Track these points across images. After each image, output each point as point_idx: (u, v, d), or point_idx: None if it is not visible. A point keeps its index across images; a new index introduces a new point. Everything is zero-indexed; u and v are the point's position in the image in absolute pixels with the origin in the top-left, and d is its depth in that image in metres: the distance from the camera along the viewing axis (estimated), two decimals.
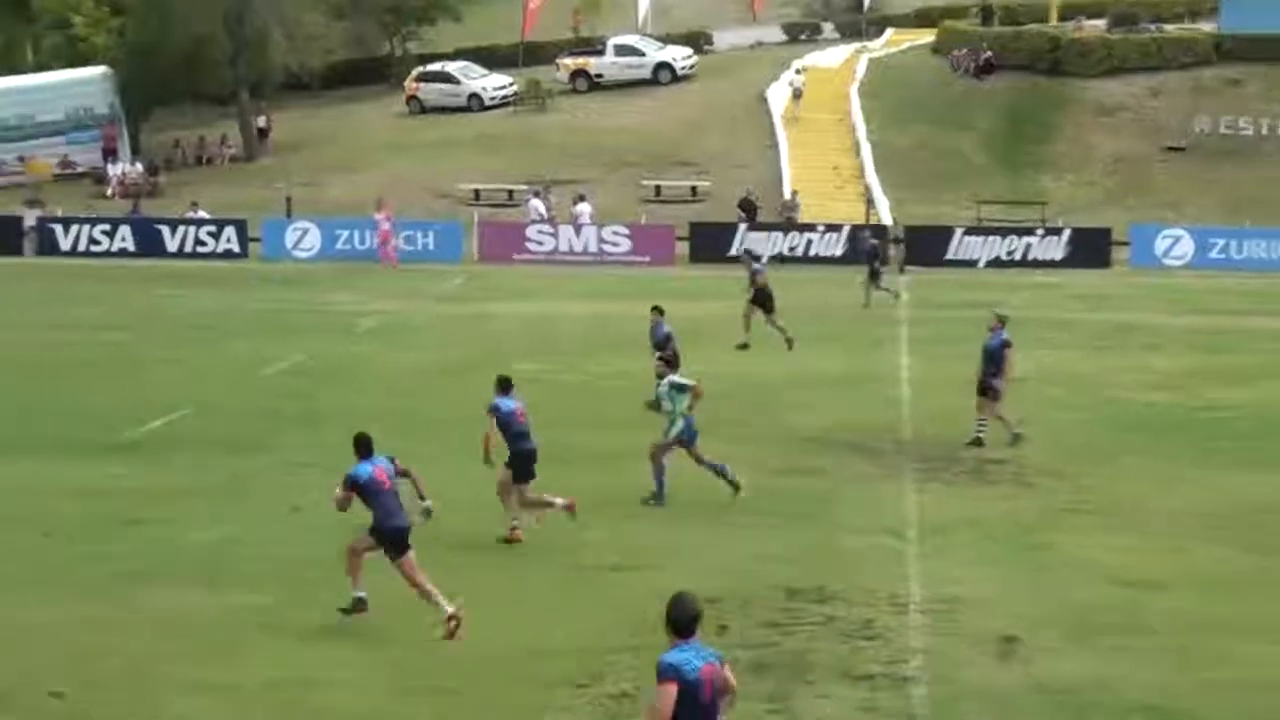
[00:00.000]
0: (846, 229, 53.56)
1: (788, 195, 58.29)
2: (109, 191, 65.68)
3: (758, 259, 40.33)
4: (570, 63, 72.61)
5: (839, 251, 52.91)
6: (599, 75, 71.90)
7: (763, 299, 36.83)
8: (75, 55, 71.35)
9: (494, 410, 21.17)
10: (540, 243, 55.09)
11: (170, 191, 64.67)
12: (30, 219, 57.08)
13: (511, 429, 21.20)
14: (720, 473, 23.42)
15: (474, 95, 71.41)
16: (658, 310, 30.13)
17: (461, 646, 17.08)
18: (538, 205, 56.42)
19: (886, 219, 56.66)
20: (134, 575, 19.61)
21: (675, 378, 23.13)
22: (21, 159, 68.04)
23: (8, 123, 68.53)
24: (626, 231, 55.10)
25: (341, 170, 64.77)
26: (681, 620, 11.18)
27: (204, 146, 70.90)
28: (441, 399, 30.47)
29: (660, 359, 23.94)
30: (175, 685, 16.12)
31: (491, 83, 71.97)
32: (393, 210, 54.49)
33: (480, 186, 62.52)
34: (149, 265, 53.10)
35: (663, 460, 23.29)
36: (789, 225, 55.28)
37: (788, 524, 22.44)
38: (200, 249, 55.88)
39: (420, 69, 73.32)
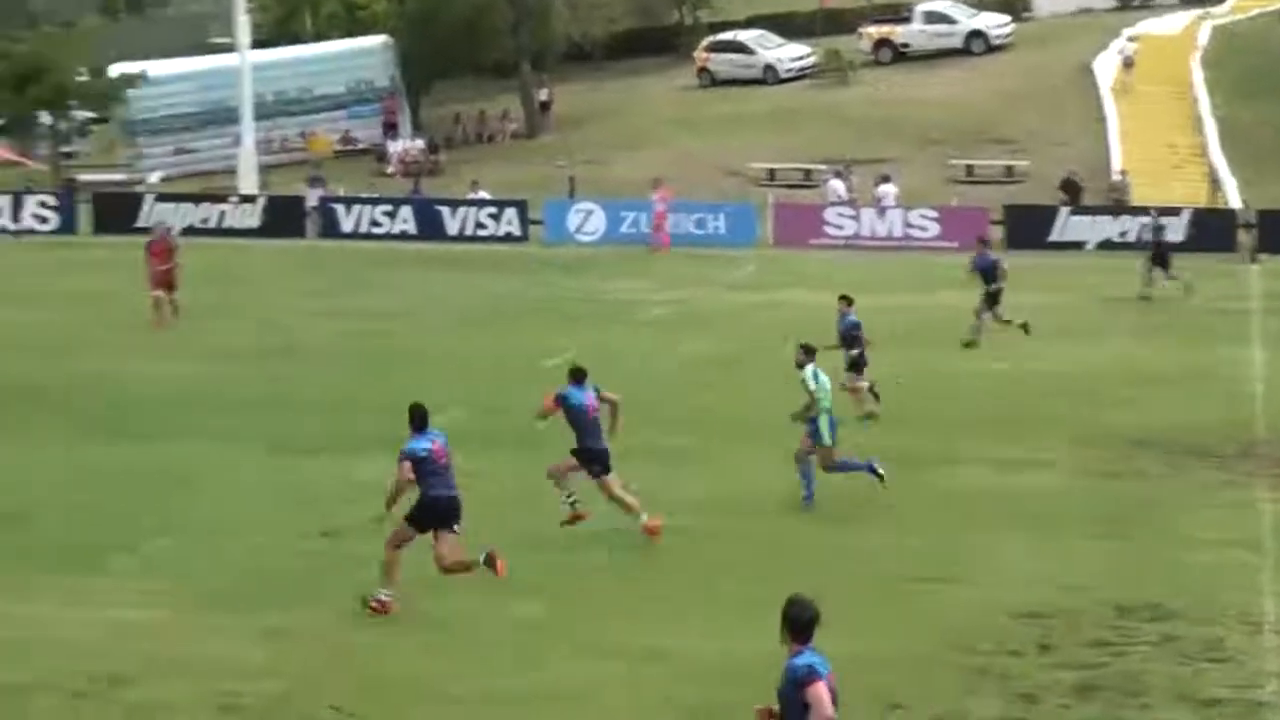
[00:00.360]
0: (1187, 213, 51.88)
1: (1116, 175, 57.09)
2: (389, 169, 66.89)
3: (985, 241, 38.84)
4: (874, 31, 72.09)
5: (1180, 237, 50.95)
6: (905, 45, 71.30)
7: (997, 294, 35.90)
8: (354, 24, 72.78)
9: (561, 400, 21.34)
10: (840, 226, 54.68)
11: (450, 170, 65.63)
12: (312, 198, 58.23)
13: (581, 424, 21.30)
14: (805, 474, 22.99)
15: (769, 67, 71.30)
16: (845, 300, 29.22)
17: (760, 656, 16.88)
18: (837, 186, 56.04)
19: (1235, 201, 55.11)
20: (408, 580, 19.77)
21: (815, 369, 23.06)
22: (303, 134, 69.63)
23: (288, 95, 70.09)
24: (934, 215, 54.36)
25: (626, 147, 65.08)
26: (803, 621, 11.63)
27: (484, 122, 71.85)
28: (731, 393, 30.38)
29: (803, 347, 23.49)
30: (454, 697, 16.19)
31: (788, 53, 71.77)
32: (671, 192, 54.53)
33: (775, 166, 62.34)
34: (429, 249, 53.85)
35: (838, 460, 23.14)
36: (1118, 208, 54.07)
37: (1112, 533, 21.92)
38: (480, 232, 56.56)
39: (711, 38, 73.41)
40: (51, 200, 60.71)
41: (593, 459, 21.24)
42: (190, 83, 71.98)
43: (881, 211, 54.48)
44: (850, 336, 28.60)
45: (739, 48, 72.22)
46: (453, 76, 74.81)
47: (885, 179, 55.80)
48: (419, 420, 18.59)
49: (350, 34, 72.78)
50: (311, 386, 31.34)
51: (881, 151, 61.69)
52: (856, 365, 28.66)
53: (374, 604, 18.37)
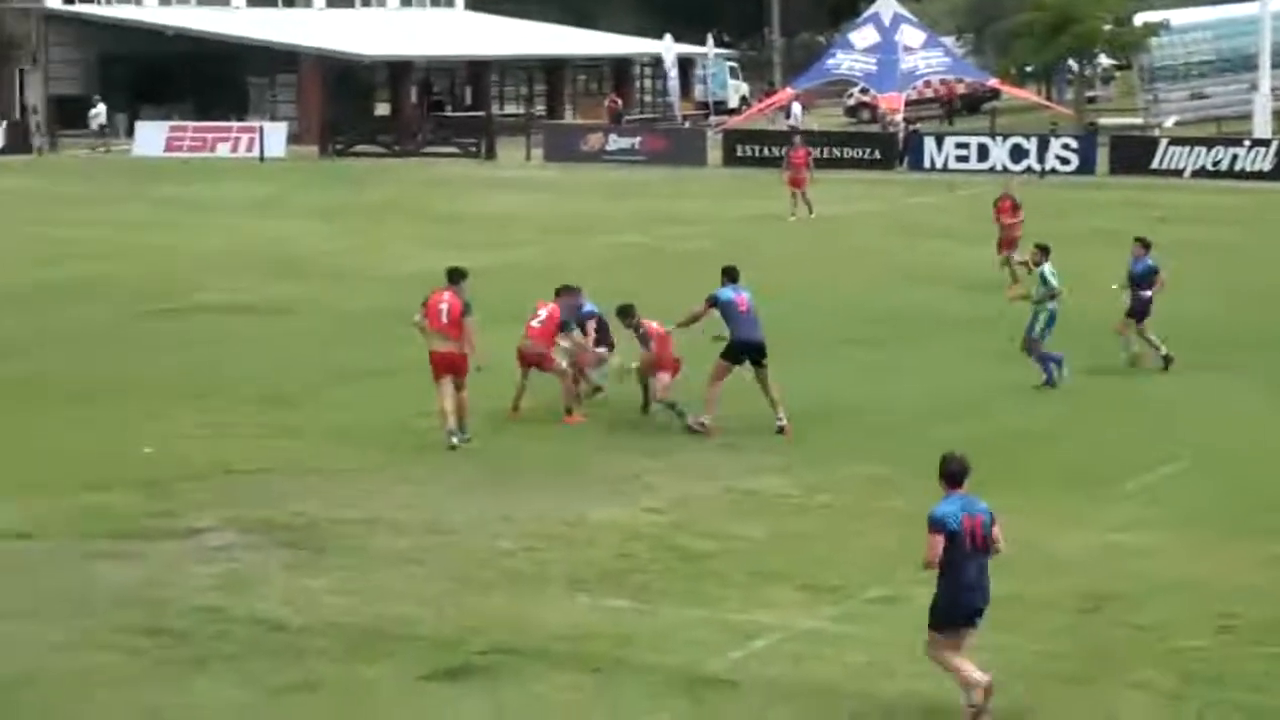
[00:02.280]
0: None
1: None
2: None
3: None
4: None
5: None
6: None
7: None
8: None
9: (713, 300, 21.88)
10: None
11: None
12: None
13: (734, 317, 21.78)
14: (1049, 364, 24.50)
15: None
16: (1141, 242, 26.49)
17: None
18: None
19: None
20: None
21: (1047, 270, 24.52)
22: None
23: None
24: None
25: None
26: (955, 472, 12.73)
27: None
28: None
29: (1039, 247, 25.17)
30: None
31: None
32: None
33: None
34: None
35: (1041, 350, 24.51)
36: None
37: None
38: None
39: None
40: (1073, 143, 60.78)
41: (749, 350, 21.69)
42: (1209, 31, 70.37)
43: None
44: (1142, 279, 26.08)
45: None
46: None
47: None
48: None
49: None
50: None
51: None
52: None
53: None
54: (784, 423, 21.75)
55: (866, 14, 73.36)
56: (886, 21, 70.28)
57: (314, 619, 14.90)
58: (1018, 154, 60.16)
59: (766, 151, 62.33)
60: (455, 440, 21.05)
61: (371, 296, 32.61)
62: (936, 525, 12.54)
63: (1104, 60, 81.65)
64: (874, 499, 18.98)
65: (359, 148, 69.52)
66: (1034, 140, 60.59)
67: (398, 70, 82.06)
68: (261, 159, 67.10)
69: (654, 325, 22.63)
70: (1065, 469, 20.42)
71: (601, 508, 18.49)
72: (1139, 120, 70.42)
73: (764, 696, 13.33)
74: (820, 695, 13.40)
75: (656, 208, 49.34)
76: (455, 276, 21.66)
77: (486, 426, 21.94)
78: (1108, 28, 71.02)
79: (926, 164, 61.48)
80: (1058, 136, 61.05)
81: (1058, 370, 24.75)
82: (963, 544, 12.53)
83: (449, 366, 21.19)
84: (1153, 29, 70.01)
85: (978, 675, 12.66)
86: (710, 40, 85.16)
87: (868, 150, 63.92)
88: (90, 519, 17.93)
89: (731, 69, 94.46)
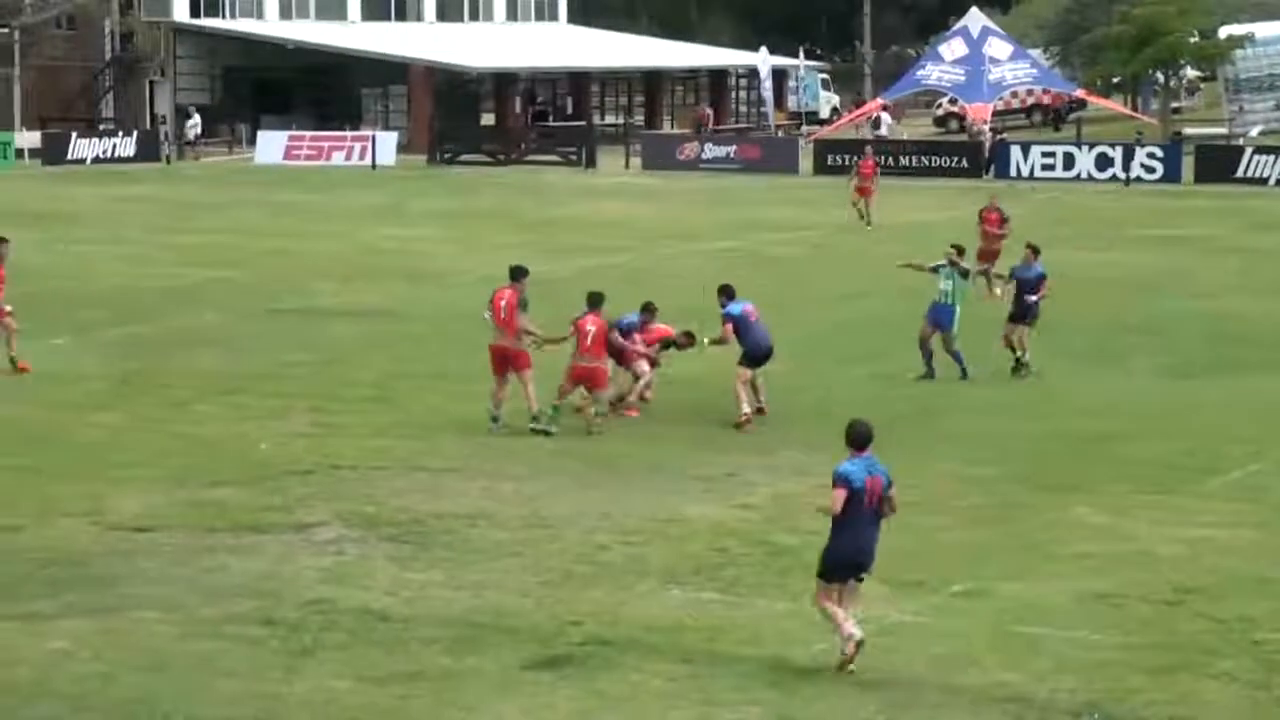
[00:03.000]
0: None
1: None
2: None
3: None
4: None
5: None
6: None
7: None
8: None
9: (728, 317, 22.28)
10: None
11: None
12: None
13: (747, 328, 22.27)
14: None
15: None
16: (1031, 248, 26.50)
17: None
18: None
19: None
20: None
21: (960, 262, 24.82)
22: None
23: None
24: None
25: None
26: (860, 434, 13.47)
27: None
28: None
29: (953, 247, 25.27)
30: None
31: None
32: None
33: None
34: None
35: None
36: None
37: None
38: None
39: None
40: (1158, 151, 60.24)
41: (767, 355, 22.39)
42: None
43: None
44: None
45: None
46: None
47: None
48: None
49: None
50: None
51: None
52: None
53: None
54: (763, 404, 22.74)
55: (956, 27, 72.98)
56: (975, 34, 69.87)
57: (418, 610, 14.97)
58: (1103, 163, 59.73)
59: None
60: (494, 427, 21.61)
61: (477, 299, 32.67)
62: (841, 481, 13.31)
63: (1189, 72, 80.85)
64: (957, 496, 18.88)
65: (465, 156, 69.82)
66: (1119, 149, 60.11)
67: (503, 81, 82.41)
68: (374, 166, 67.52)
69: (660, 328, 23.12)
70: (1148, 468, 20.22)
71: (696, 505, 18.49)
72: (1223, 130, 69.69)
73: (850, 687, 13.28)
74: (905, 686, 13.34)
75: (749, 214, 49.31)
76: (517, 274, 21.90)
77: (583, 428, 21.99)
78: (1193, 40, 70.34)
79: (1013, 172, 61.10)
80: (1143, 146, 60.51)
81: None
82: (861, 501, 13.30)
83: (501, 359, 21.44)
84: (1237, 41, 69.26)
85: (851, 628, 13.35)
86: (801, 53, 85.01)
87: (955, 159, 63.68)
88: (208, 513, 18.11)
89: (823, 80, 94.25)
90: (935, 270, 25.17)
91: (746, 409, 22.25)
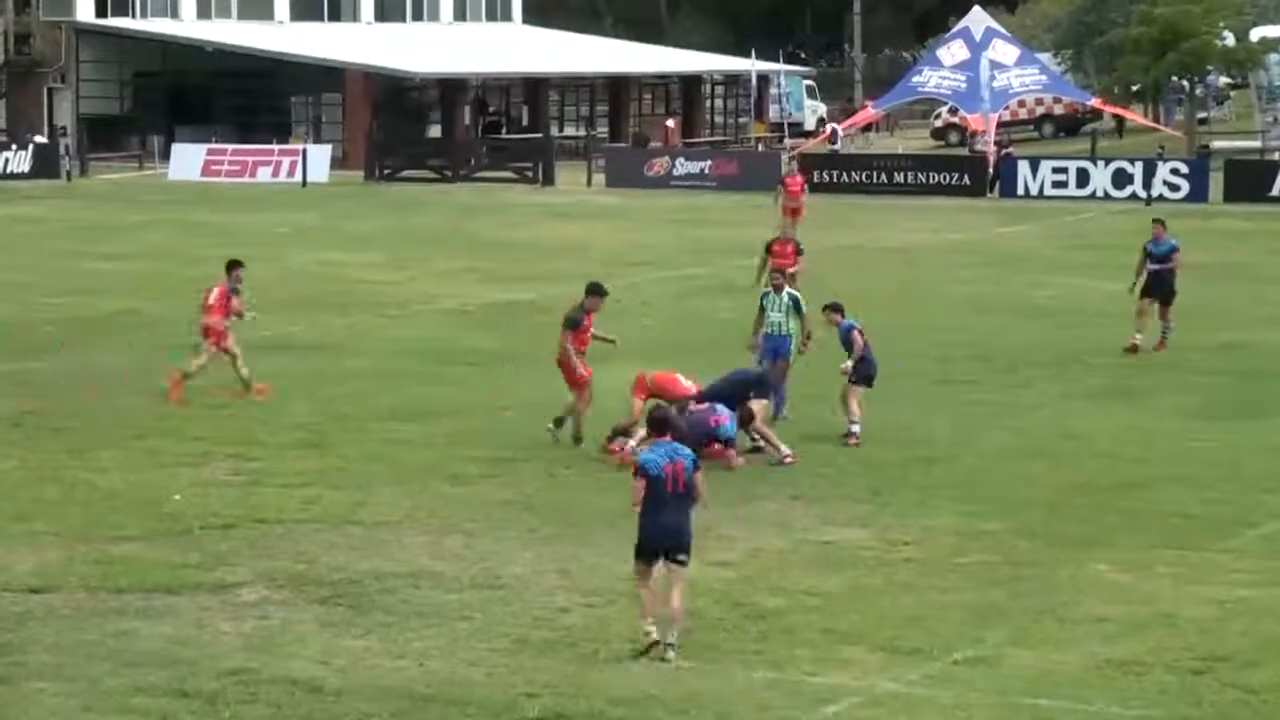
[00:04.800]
0: None
1: None
2: None
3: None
4: None
5: None
6: None
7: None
8: None
9: (853, 329, 23.95)
10: None
11: None
12: None
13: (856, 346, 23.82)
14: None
15: None
16: (1159, 223, 31.64)
17: None
18: None
19: None
20: None
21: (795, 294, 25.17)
22: None
23: None
24: None
25: None
26: (658, 420, 15.78)
27: None
28: None
29: (775, 269, 26.79)
30: None
31: None
32: None
33: None
34: None
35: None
36: None
37: None
38: None
39: None
40: (1183, 167, 60.46)
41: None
42: None
43: None
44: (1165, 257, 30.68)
45: None
46: None
47: None
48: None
49: None
50: None
51: None
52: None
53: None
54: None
55: (956, 28, 73.27)
56: (977, 36, 70.15)
57: (352, 681, 14.91)
58: (1121, 180, 59.95)
59: (846, 177, 62.43)
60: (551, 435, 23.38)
61: (418, 331, 32.72)
62: (639, 470, 15.33)
63: (1218, 79, 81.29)
64: (961, 553, 18.88)
65: (408, 172, 69.88)
66: (1139, 165, 60.34)
67: (450, 88, 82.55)
68: (304, 184, 67.52)
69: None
70: (1172, 520, 20.26)
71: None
72: (1256, 144, 70.01)
73: None
74: None
75: (722, 237, 49.30)
76: (593, 289, 24.25)
77: (541, 473, 21.97)
78: (1221, 44, 70.72)
79: (1020, 190, 61.30)
80: (1165, 161, 60.73)
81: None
82: (663, 486, 15.20)
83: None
84: (1271, 44, 69.68)
85: (649, 625, 15.24)
86: (782, 57, 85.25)
87: (955, 175, 63.83)
88: (113, 571, 18.00)
89: (809, 88, 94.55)
90: (761, 306, 25.25)
91: (857, 426, 23.69)
